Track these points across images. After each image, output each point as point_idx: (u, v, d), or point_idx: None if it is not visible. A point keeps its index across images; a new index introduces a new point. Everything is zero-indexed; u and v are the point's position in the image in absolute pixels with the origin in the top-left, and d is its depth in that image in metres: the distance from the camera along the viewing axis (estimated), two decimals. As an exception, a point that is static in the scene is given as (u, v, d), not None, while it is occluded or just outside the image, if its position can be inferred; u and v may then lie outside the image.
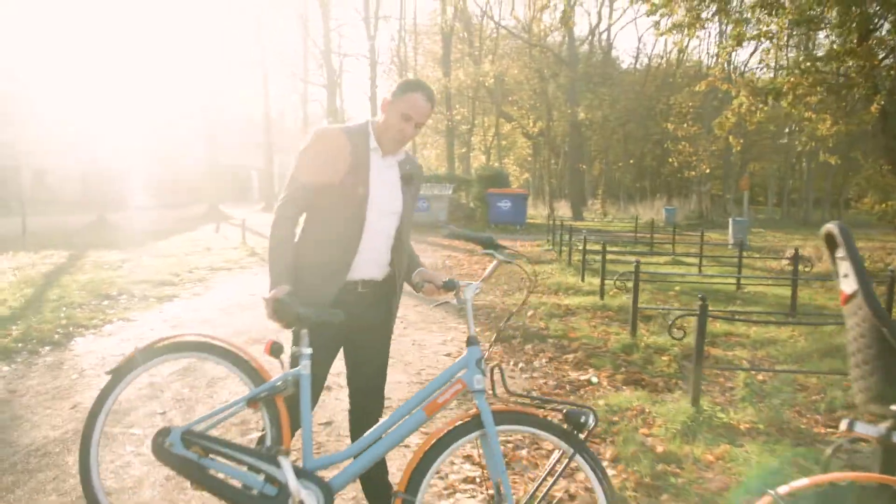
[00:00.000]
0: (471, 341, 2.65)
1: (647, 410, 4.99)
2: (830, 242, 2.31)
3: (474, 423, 2.57)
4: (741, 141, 17.68)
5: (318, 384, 3.01)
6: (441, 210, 27.72)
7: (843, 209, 36.01)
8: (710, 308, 4.78)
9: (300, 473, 2.62)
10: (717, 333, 7.98)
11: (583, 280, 12.07)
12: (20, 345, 6.71)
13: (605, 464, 4.10)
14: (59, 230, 20.35)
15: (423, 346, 7.26)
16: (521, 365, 6.58)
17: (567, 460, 2.55)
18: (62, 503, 3.50)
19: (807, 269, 11.92)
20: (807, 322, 8.53)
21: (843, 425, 2.11)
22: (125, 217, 25.02)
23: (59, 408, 4.96)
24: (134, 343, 6.79)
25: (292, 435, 2.81)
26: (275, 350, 2.72)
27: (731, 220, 20.87)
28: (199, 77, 34.03)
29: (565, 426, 2.53)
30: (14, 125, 25.93)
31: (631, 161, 46.20)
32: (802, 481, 2.11)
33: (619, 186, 48.18)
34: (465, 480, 3.86)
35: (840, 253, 2.16)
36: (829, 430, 4.87)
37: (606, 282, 10.15)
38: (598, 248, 12.22)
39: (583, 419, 2.50)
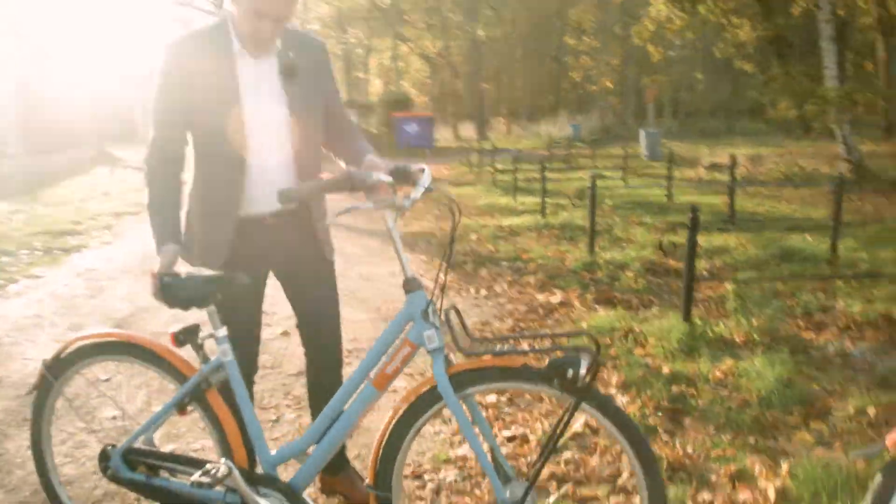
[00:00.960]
0: (409, 286, 1.98)
1: (636, 329, 4.73)
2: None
3: (431, 396, 1.98)
4: (661, 50, 17.60)
5: (250, 360, 2.55)
6: (346, 138, 26.76)
7: (736, 119, 37.05)
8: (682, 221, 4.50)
9: (255, 479, 2.13)
10: (645, 244, 7.87)
11: (515, 200, 11.77)
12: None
13: (613, 391, 3.82)
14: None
15: (372, 280, 6.79)
16: (482, 292, 6.23)
17: (569, 412, 1.87)
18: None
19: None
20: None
21: None
22: None
23: (-26, 383, 4.24)
24: (48, 303, 6.03)
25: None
26: (181, 339, 2.16)
27: (642, 133, 21.02)
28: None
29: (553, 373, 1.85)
30: None
31: (532, 78, 45.92)
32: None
33: (521, 105, 47.91)
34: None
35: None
36: (815, 334, 4.76)
37: (538, 200, 9.87)
38: (513, 167, 11.95)
39: (570, 371, 1.80)
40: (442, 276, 1.98)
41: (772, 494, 2.70)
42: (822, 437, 3.25)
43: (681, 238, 8.16)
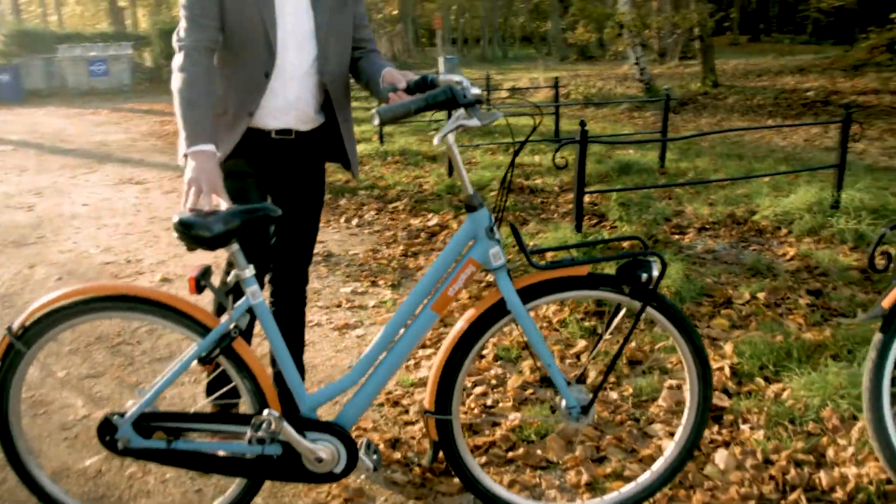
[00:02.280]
0: (471, 203, 1.94)
1: (535, 244, 4.91)
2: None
3: (498, 310, 1.97)
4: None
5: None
6: (123, 72, 24.39)
7: (510, 46, 38.60)
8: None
9: (302, 425, 1.99)
10: (525, 163, 8.17)
11: (382, 143, 11.54)
12: None
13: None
14: None
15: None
16: (354, 221, 6.11)
17: (636, 317, 1.96)
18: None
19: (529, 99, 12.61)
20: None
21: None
22: None
23: None
24: None
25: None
26: (203, 284, 1.89)
27: (441, 59, 21.23)
28: None
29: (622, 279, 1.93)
30: None
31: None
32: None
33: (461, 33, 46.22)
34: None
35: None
36: (680, 236, 5.24)
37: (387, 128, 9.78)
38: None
39: (644, 276, 1.87)
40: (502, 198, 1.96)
41: (727, 371, 2.99)
42: (733, 320, 3.62)
43: (532, 157, 8.51)
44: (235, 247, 1.89)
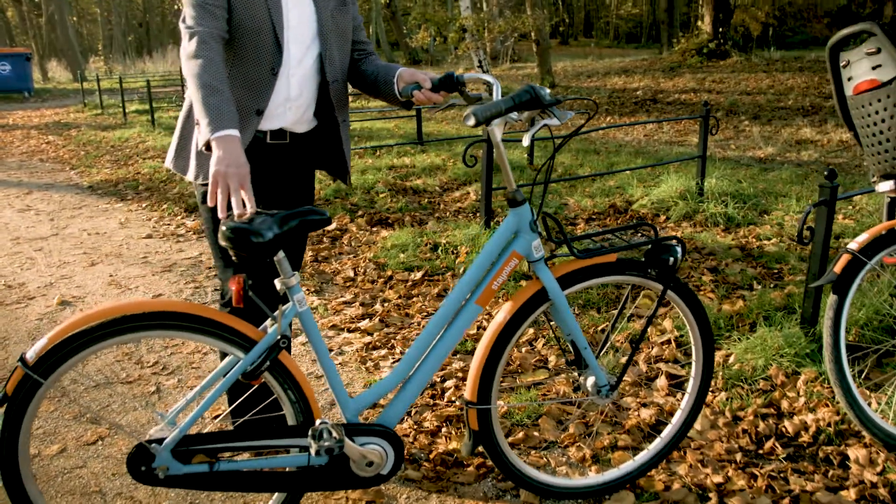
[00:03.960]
0: (514, 198, 2.01)
1: (442, 242, 5.03)
2: (841, 46, 2.63)
3: (539, 298, 2.07)
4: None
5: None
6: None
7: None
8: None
9: (349, 431, 1.99)
10: (397, 165, 8.26)
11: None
12: None
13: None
14: None
15: (104, 233, 6.01)
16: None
17: (658, 299, 2.18)
18: None
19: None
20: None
21: (889, 185, 2.52)
22: None
23: None
24: None
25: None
26: (249, 295, 1.82)
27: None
28: None
29: (648, 264, 2.13)
30: None
31: (130, 12, 41.93)
32: (864, 235, 2.48)
33: (119, 42, 43.53)
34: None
35: (870, 48, 2.48)
36: (573, 227, 5.58)
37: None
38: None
39: (671, 259, 2.09)
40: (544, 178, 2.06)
41: (673, 345, 3.29)
42: (657, 295, 3.96)
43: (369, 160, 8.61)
44: (281, 254, 1.82)
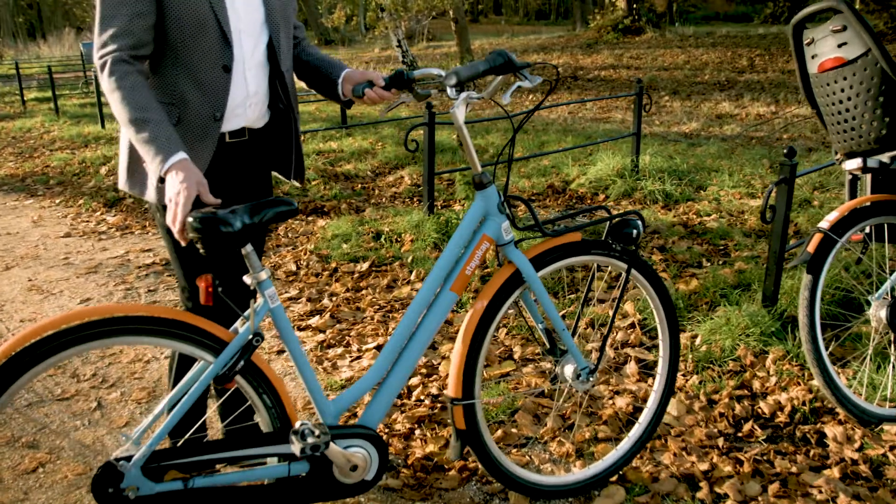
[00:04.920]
0: (481, 181, 1.97)
1: (387, 230, 4.88)
2: (804, 23, 2.61)
3: (514, 282, 2.02)
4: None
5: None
6: None
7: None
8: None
9: (330, 433, 1.85)
10: (324, 150, 8.02)
11: (104, 127, 10.47)
12: None
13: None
14: None
15: (21, 233, 5.57)
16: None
17: (624, 278, 2.15)
18: None
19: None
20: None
21: (854, 163, 2.53)
22: None
23: None
24: None
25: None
26: (219, 293, 1.74)
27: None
28: None
29: (611, 240, 2.11)
30: None
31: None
32: (834, 214, 2.49)
33: (8, 24, 40.86)
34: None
35: (835, 25, 2.47)
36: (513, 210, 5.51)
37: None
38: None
39: (634, 232, 2.08)
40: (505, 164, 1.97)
41: (638, 329, 3.26)
42: (608, 282, 3.93)
43: (324, 144, 8.36)
44: (250, 247, 1.71)
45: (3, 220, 6.03)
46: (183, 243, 1.74)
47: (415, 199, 5.86)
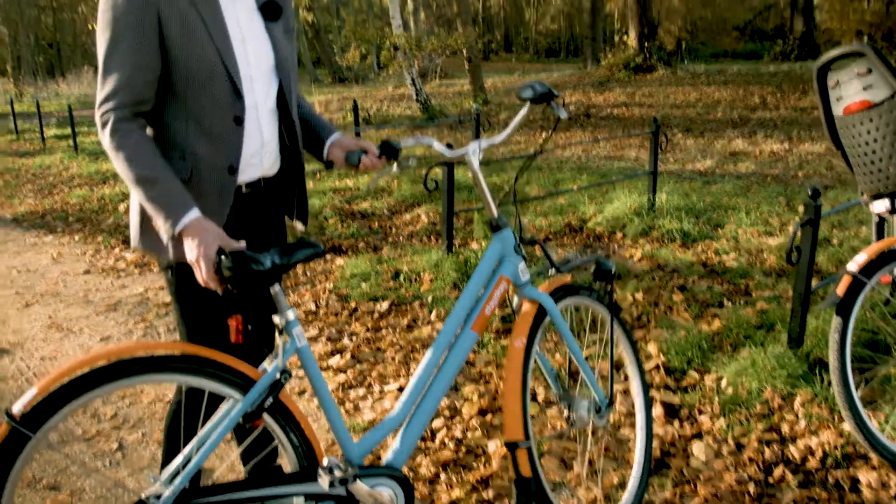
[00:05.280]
0: (498, 224, 2.07)
1: (405, 269, 4.88)
2: (829, 66, 2.63)
3: (540, 317, 2.09)
4: None
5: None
6: None
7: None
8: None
9: (356, 474, 1.84)
10: (340, 188, 8.07)
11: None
12: None
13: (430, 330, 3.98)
14: None
15: (39, 270, 5.62)
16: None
17: (611, 323, 2.25)
18: None
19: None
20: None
21: (882, 205, 2.52)
22: None
23: None
24: None
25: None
26: (247, 332, 1.76)
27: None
28: None
29: (595, 283, 2.22)
30: None
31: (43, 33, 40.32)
32: (863, 256, 2.47)
33: (29, 63, 41.64)
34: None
35: (861, 69, 2.48)
36: (528, 247, 5.52)
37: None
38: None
39: (613, 269, 2.20)
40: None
41: (662, 371, 3.23)
42: (629, 321, 3.91)
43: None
44: (278, 287, 1.73)
45: (24, 256, 6.09)
46: (220, 292, 1.73)
47: (432, 237, 5.88)
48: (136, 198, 1.76)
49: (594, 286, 2.27)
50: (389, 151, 2.05)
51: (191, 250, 1.72)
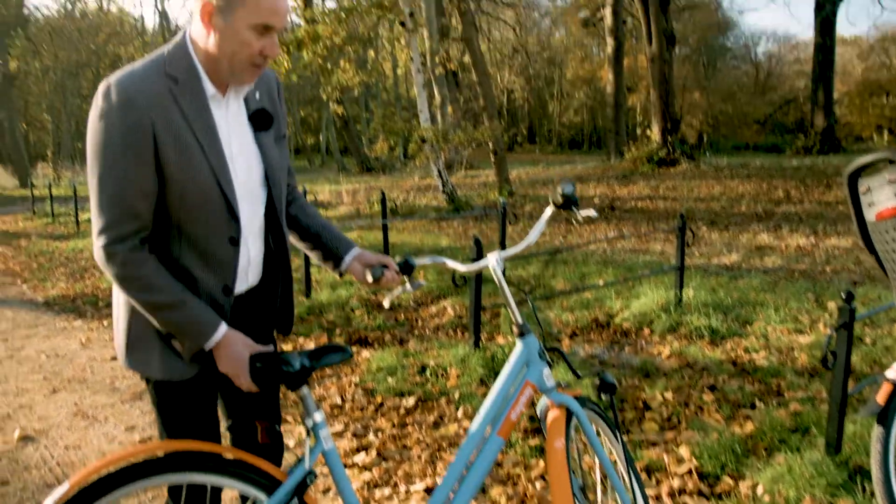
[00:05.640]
0: (522, 331, 2.12)
1: (432, 364, 4.87)
2: (859, 173, 2.66)
3: (569, 419, 2.12)
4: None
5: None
6: None
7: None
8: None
9: None
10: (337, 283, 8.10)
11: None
12: None
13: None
14: None
15: (66, 355, 5.67)
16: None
17: (608, 440, 2.37)
18: None
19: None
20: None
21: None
22: None
23: None
24: None
25: None
26: (273, 433, 1.93)
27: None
28: None
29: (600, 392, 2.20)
30: None
31: (83, 117, 41.90)
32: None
33: (68, 148, 43.20)
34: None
35: (892, 175, 2.51)
36: (559, 343, 5.49)
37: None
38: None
39: (614, 380, 2.21)
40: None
41: (695, 475, 3.14)
42: (659, 422, 3.83)
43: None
44: (306, 389, 1.77)
45: (53, 340, 6.16)
46: (254, 391, 1.78)
47: (458, 331, 5.87)
48: (156, 323, 1.74)
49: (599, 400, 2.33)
50: (407, 268, 2.12)
51: (227, 362, 1.77)
